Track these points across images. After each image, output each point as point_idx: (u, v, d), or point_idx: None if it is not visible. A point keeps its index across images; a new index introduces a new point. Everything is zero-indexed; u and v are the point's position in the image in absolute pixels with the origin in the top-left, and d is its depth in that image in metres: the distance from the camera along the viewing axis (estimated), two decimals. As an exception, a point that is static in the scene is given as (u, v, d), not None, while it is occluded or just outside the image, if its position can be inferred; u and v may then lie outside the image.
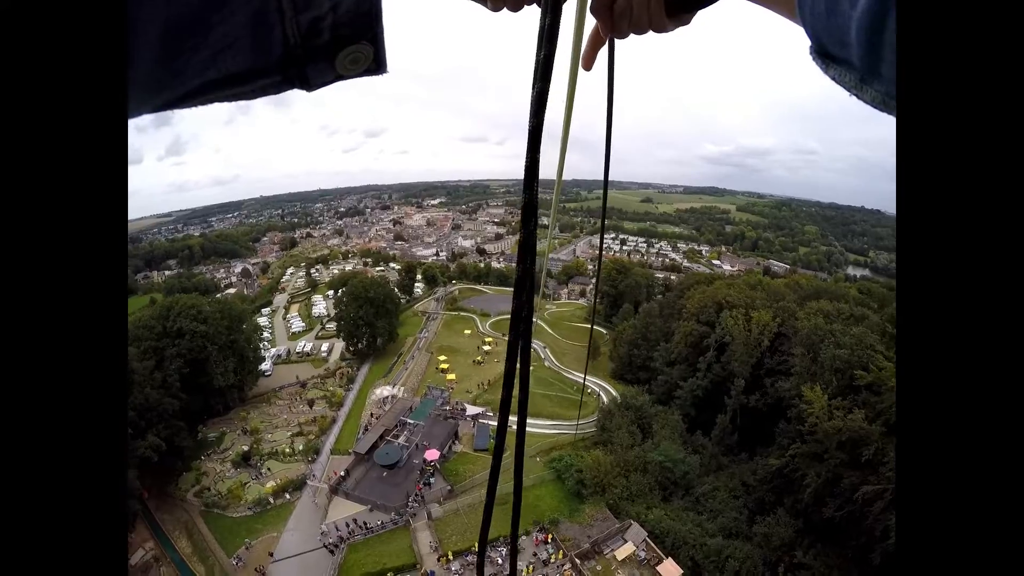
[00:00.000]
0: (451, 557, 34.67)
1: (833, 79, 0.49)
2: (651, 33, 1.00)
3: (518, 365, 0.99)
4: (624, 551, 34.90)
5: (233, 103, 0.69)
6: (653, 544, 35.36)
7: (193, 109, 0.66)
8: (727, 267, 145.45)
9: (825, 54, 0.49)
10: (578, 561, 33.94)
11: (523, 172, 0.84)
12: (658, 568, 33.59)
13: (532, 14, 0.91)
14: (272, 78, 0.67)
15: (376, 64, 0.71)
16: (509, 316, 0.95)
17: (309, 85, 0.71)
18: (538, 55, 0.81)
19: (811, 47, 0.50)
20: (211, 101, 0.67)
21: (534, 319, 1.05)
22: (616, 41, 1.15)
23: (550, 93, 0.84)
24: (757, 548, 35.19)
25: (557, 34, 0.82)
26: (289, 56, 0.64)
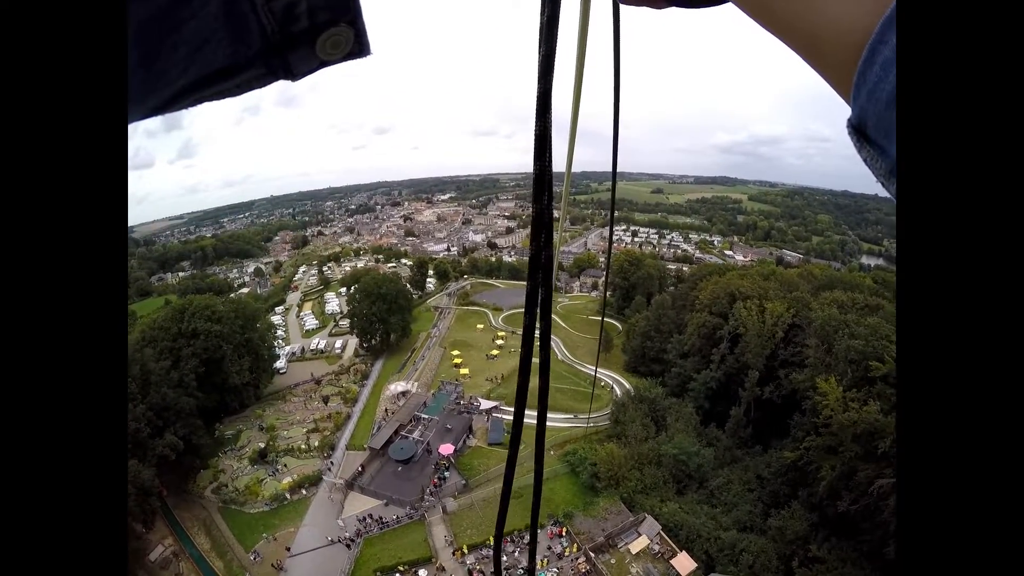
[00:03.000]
0: (466, 551, 34.94)
1: (864, 160, 0.50)
2: (647, 9, 0.94)
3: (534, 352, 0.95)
4: (638, 544, 34.95)
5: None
6: (667, 537, 35.38)
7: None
8: (739, 257, 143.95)
9: (863, 133, 0.49)
10: (592, 554, 34.04)
11: (533, 143, 0.78)
12: (672, 562, 33.62)
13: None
14: (256, 70, 0.66)
15: (359, 47, 0.69)
16: (521, 310, 0.90)
17: (293, 74, 0.70)
18: (542, 15, 0.75)
19: (850, 120, 0.50)
20: (200, 100, 0.66)
21: None
22: (620, 21, 1.09)
23: (558, 55, 0.77)
24: (771, 542, 35.06)
25: None
26: (269, 46, 0.64)
